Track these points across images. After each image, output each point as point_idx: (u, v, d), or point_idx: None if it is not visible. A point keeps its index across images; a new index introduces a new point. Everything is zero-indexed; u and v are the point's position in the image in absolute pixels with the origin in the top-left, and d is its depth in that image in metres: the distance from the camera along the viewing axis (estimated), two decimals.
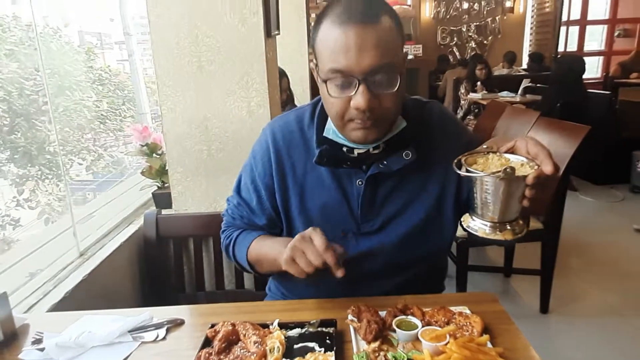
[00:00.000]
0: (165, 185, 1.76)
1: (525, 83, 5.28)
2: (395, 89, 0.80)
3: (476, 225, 0.73)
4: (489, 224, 0.72)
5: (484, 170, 0.69)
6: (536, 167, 0.68)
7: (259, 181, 1.00)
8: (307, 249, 0.80)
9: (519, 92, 5.16)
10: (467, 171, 0.70)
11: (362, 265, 0.97)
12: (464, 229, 0.77)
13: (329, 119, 0.92)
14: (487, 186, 0.68)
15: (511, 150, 0.74)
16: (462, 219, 0.77)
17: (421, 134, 0.93)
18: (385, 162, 0.90)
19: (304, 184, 0.97)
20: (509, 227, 0.71)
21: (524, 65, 8.56)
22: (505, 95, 5.10)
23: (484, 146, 0.78)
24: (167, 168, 1.69)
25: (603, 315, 2.31)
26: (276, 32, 1.69)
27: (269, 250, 0.94)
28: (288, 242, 0.84)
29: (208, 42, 1.51)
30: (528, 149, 0.71)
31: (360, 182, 0.93)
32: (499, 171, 0.66)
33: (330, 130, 0.92)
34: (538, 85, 5.30)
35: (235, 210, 1.07)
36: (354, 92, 0.79)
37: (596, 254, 2.98)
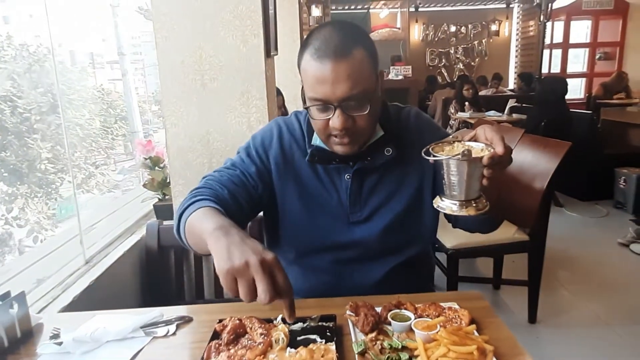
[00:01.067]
0: (166, 197, 1.83)
1: (511, 103, 5.46)
2: (367, 111, 0.93)
3: (445, 204, 0.83)
4: (456, 202, 0.81)
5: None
6: (491, 150, 0.79)
7: (255, 156, 1.07)
8: (261, 280, 0.65)
9: (506, 111, 5.33)
10: (434, 156, 0.80)
11: (353, 252, 1.08)
12: (435, 209, 0.86)
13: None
14: (450, 168, 0.78)
15: (473, 139, 0.85)
16: (433, 201, 0.87)
17: (400, 134, 1.06)
18: (369, 159, 1.03)
19: (301, 175, 1.07)
20: (473, 204, 0.81)
21: (511, 86, 8.84)
22: (492, 115, 5.27)
23: (451, 137, 0.89)
24: (168, 180, 1.76)
25: (590, 324, 2.38)
26: (275, 53, 1.79)
27: (205, 220, 0.80)
28: (227, 229, 0.73)
29: (211, 62, 1.60)
30: (486, 136, 0.83)
31: (348, 177, 1.05)
32: (459, 154, 0.76)
33: (317, 140, 1.05)
34: (523, 105, 5.49)
35: (224, 170, 1.05)
36: (332, 115, 0.92)
37: (582, 266, 3.07)
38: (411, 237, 1.11)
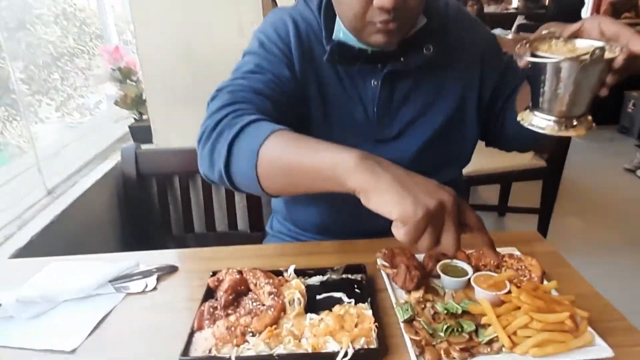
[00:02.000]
0: (143, 117, 1.55)
1: (520, 20, 5.06)
2: None
3: (541, 122, 0.61)
4: (555, 119, 0.59)
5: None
6: (617, 49, 0.55)
7: (279, 53, 0.79)
8: (453, 226, 0.50)
9: (513, 29, 4.95)
10: (537, 57, 0.55)
11: None
12: (526, 127, 0.62)
13: (338, 20, 0.78)
14: (563, 74, 0.55)
15: (577, 34, 0.60)
16: (520, 117, 0.63)
17: (440, 29, 0.83)
18: (402, 59, 0.80)
19: (323, 78, 0.81)
20: (576, 123, 0.59)
21: (514, 4, 8.24)
22: (498, 33, 4.88)
23: (544, 32, 0.63)
24: (144, 97, 1.48)
25: (598, 251, 2.31)
26: None
27: (318, 148, 0.58)
28: (377, 159, 0.55)
29: None
30: (602, 30, 0.58)
31: (375, 83, 0.82)
32: (583, 54, 0.53)
33: (340, 32, 0.78)
34: (532, 22, 5.09)
35: (250, 75, 0.76)
36: None
37: (588, 193, 2.98)
38: (447, 159, 0.90)
